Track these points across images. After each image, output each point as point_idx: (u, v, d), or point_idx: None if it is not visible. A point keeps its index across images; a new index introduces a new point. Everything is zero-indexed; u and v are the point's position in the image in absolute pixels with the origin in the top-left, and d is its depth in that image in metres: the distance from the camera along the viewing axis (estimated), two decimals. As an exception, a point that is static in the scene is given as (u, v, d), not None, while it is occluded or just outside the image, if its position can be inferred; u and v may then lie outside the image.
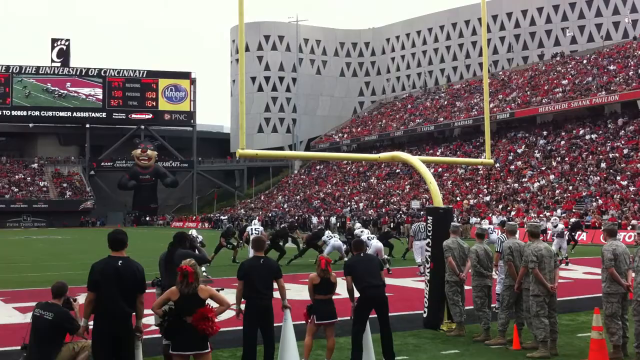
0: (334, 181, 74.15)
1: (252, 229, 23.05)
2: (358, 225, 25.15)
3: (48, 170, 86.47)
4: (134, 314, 6.32)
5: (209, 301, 6.31)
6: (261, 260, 7.60)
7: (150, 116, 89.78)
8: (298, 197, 73.77)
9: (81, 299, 7.38)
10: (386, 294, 8.12)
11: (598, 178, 44.68)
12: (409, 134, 73.24)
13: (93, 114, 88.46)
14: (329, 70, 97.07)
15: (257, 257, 7.66)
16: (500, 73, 76.07)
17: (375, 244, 19.61)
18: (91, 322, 6.37)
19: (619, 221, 35.12)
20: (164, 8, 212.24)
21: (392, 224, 45.69)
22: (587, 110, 56.46)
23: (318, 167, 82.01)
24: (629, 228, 32.50)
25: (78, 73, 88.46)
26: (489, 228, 20.78)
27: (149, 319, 9.23)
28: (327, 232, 23.32)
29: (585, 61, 64.44)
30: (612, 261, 8.15)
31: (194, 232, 21.38)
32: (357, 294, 8.03)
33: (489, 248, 9.95)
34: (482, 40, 13.77)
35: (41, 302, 6.91)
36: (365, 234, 21.76)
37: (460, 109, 69.44)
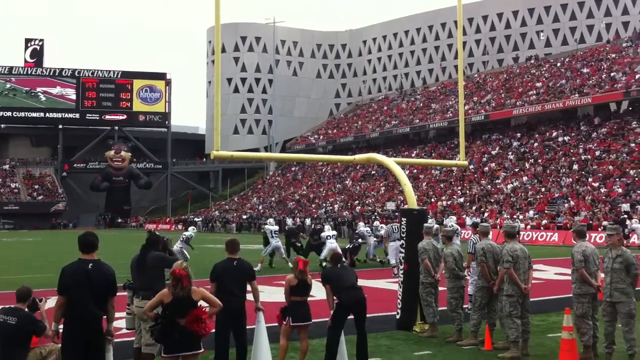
0: (309, 183, 74.15)
1: (270, 230, 22.14)
2: (327, 227, 24.90)
3: (19, 172, 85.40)
4: (105, 317, 6.24)
5: (201, 302, 6.28)
6: (234, 262, 7.56)
7: (124, 117, 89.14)
8: (273, 198, 73.63)
9: (52, 302, 7.28)
10: (365, 296, 8.14)
11: (570, 180, 45.21)
12: (385, 136, 73.49)
13: (66, 115, 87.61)
14: (305, 71, 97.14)
15: (230, 259, 7.61)
16: (476, 75, 76.71)
17: (329, 244, 20.84)
18: (61, 326, 6.28)
19: (591, 222, 35.58)
20: (140, 8, 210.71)
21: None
22: (560, 113, 57.11)
23: (293, 169, 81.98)
24: (600, 229, 32.90)
25: (51, 73, 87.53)
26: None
27: (120, 323, 9.13)
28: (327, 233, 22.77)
29: (559, 64, 65.22)
30: (582, 262, 8.24)
31: (191, 231, 21.12)
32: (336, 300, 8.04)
33: (461, 249, 10.01)
34: (458, 43, 13.86)
35: (5, 307, 6.82)
36: (326, 231, 22.56)
37: (435, 111, 69.88)
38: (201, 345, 6.11)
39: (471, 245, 10.65)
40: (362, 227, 24.55)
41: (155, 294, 7.16)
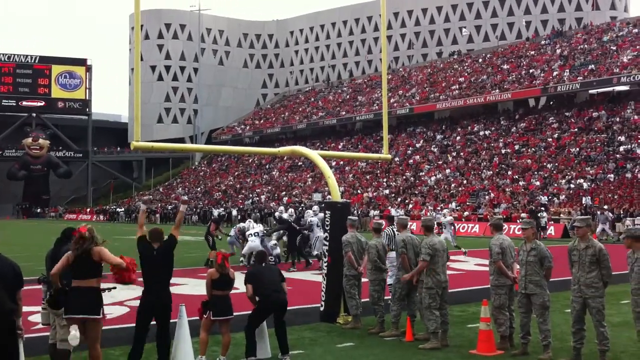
0: (236, 173, 73.65)
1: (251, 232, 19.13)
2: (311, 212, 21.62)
3: None
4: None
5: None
6: (154, 252, 7.32)
7: (42, 104, 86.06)
8: (199, 189, 72.78)
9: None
10: (286, 299, 8.14)
11: (491, 172, 46.52)
12: (312, 127, 73.70)
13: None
14: (232, 61, 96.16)
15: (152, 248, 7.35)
16: (401, 69, 77.76)
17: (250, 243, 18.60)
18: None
19: (511, 213, 36.75)
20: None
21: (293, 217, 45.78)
22: (481, 108, 58.70)
23: (220, 159, 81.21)
24: (518, 221, 33.95)
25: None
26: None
27: (37, 317, 8.81)
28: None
29: (480, 60, 66.89)
30: (500, 255, 8.47)
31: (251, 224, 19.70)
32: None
33: (385, 242, 10.10)
34: (382, 37, 13.96)
35: None
36: (308, 216, 20.21)
37: (362, 104, 70.52)
38: (101, 312, 5.98)
39: (385, 237, 10.82)
40: (310, 215, 20.15)
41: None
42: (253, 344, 7.88)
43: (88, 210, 75.06)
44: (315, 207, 22.48)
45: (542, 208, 36.32)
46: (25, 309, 10.35)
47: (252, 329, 7.93)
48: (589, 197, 36.92)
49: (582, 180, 39.89)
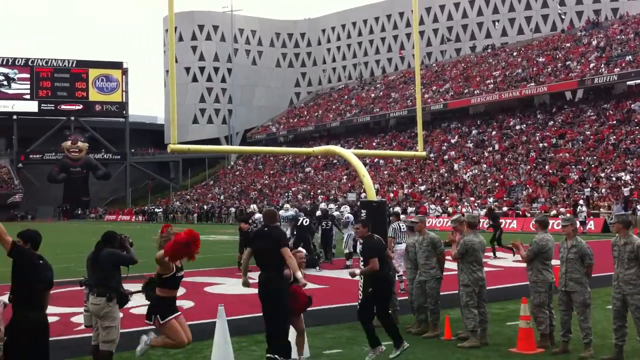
0: (271, 172, 73.98)
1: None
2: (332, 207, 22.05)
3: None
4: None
5: None
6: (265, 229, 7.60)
7: (80, 107, 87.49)
8: (235, 188, 73.29)
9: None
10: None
11: (528, 167, 45.92)
12: (345, 125, 73.64)
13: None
14: (264, 60, 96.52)
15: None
16: (434, 64, 77.18)
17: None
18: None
19: (548, 211, 36.24)
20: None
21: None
22: (517, 102, 57.97)
23: (254, 158, 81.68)
24: (559, 216, 33.43)
25: (4, 62, 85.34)
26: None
27: (79, 318, 8.98)
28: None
29: (515, 53, 66.05)
30: (532, 252, 8.33)
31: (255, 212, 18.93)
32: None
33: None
34: (414, 33, 13.88)
35: None
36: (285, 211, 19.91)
37: (395, 100, 70.21)
38: (156, 318, 6.24)
39: (391, 230, 10.91)
40: (347, 211, 20.27)
41: (109, 291, 7.23)
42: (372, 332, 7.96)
43: (127, 210, 76.15)
44: (332, 205, 22.96)
45: (582, 202, 35.73)
46: (67, 310, 10.62)
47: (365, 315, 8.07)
48: (629, 191, 36.17)
49: (622, 174, 39.12)
